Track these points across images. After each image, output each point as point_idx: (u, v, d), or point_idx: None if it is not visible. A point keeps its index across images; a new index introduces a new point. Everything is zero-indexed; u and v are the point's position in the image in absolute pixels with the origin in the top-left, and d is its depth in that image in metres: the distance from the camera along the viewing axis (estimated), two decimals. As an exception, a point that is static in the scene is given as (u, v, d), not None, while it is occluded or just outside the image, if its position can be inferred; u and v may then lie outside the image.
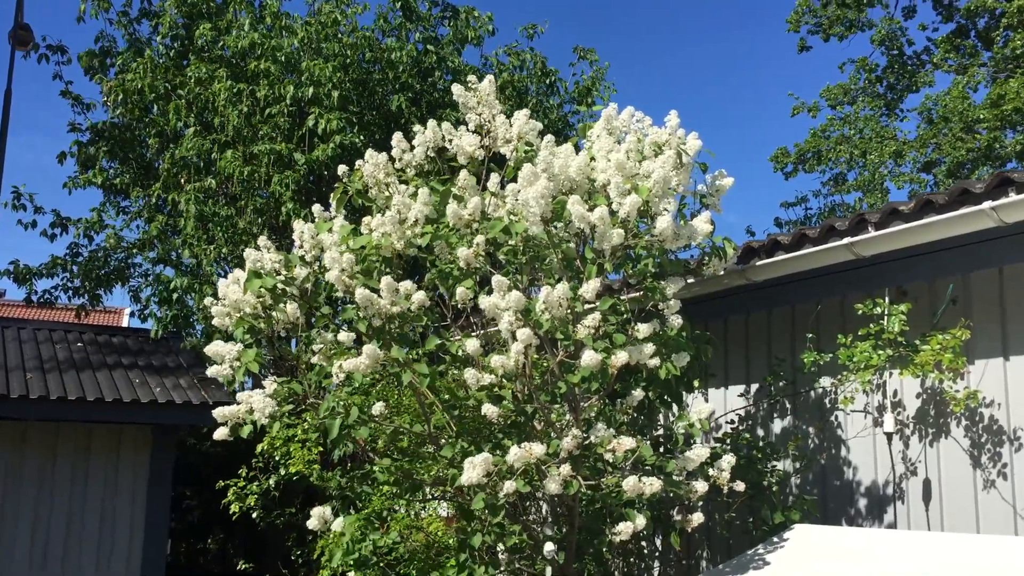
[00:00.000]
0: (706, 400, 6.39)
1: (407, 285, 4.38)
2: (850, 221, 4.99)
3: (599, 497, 4.37)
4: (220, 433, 4.73)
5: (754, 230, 28.02)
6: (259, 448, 7.43)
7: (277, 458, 7.09)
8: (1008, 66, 20.22)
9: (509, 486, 3.83)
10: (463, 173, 4.48)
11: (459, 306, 4.45)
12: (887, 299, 4.98)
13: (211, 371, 4.62)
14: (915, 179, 20.56)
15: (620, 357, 3.98)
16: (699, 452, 4.21)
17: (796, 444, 5.35)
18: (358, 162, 4.79)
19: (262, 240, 4.71)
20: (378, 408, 4.86)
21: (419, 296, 4.36)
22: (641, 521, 3.94)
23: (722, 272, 5.22)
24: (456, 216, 4.35)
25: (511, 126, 4.52)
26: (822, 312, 5.60)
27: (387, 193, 4.65)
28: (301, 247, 4.68)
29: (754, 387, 6.19)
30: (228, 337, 4.79)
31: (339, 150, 8.56)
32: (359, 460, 7.38)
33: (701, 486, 4.18)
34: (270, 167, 8.70)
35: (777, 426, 5.99)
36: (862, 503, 5.35)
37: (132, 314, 13.67)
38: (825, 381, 5.59)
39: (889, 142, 21.62)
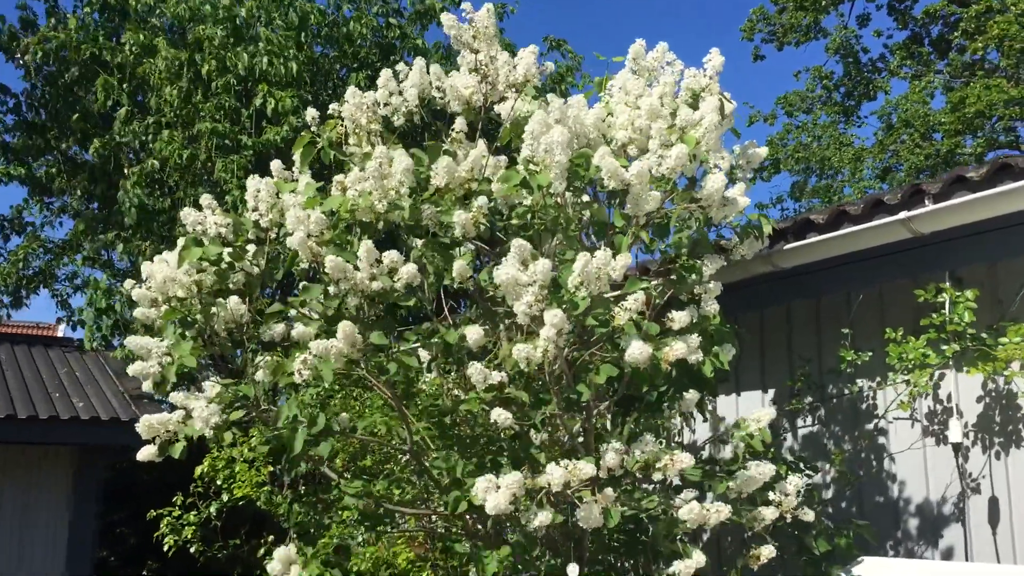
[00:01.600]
0: (713, 408, 5.60)
1: (392, 255, 3.50)
2: (903, 193, 4.27)
3: (643, 526, 3.50)
4: (145, 453, 3.78)
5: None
6: (199, 470, 6.42)
7: (220, 482, 6.11)
8: (964, 72, 20.16)
9: (543, 517, 2.98)
10: (458, 121, 3.61)
11: (454, 287, 3.59)
12: (948, 284, 4.25)
13: (133, 368, 3.69)
14: (874, 186, 20.33)
15: (676, 349, 3.17)
16: (763, 469, 3.40)
17: (840, 457, 4.58)
18: (332, 106, 3.89)
19: (206, 198, 3.79)
20: (344, 418, 3.97)
21: (408, 269, 3.48)
22: (701, 558, 3.11)
23: (753, 254, 4.43)
24: (450, 173, 3.48)
25: (515, 68, 3.66)
26: (856, 304, 4.86)
27: (368, 147, 3.75)
28: (256, 210, 3.77)
29: (772, 392, 5.42)
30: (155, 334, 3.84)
31: (292, 133, 7.60)
32: (314, 480, 6.44)
33: (770, 512, 3.37)
34: (212, 151, 7.69)
35: (803, 435, 5.23)
36: (911, 525, 4.60)
37: (59, 320, 12.49)
38: (863, 383, 4.85)
39: (847, 149, 21.45)
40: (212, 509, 6.42)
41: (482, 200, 3.51)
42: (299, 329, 3.75)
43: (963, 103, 18.22)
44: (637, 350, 3.09)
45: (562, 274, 3.20)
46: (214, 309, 3.81)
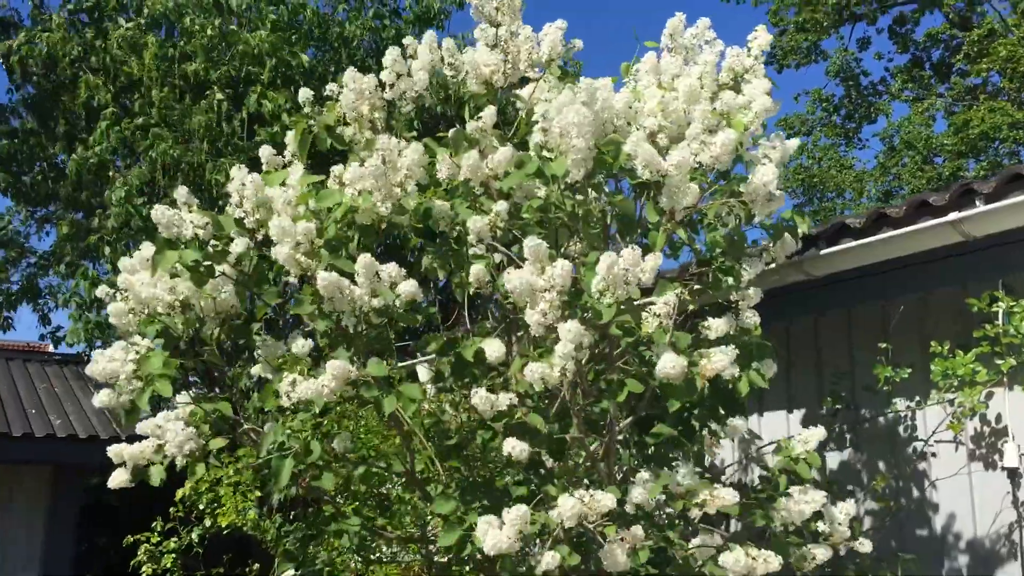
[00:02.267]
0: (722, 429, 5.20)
1: (392, 269, 3.11)
2: (951, 193, 3.91)
3: (668, 558, 3.08)
4: (117, 480, 3.37)
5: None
6: (180, 494, 5.99)
7: (202, 506, 5.67)
8: (966, 96, 20.03)
9: (551, 558, 2.57)
10: (488, 110, 3.20)
11: (470, 292, 3.21)
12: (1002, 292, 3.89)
13: (99, 400, 3.28)
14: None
15: (716, 362, 2.79)
16: (812, 497, 3.01)
17: (885, 483, 4.19)
18: (330, 86, 3.52)
19: (181, 192, 3.39)
20: (341, 444, 3.56)
21: (408, 287, 3.09)
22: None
23: (784, 257, 4.05)
24: (474, 169, 3.10)
25: (538, 44, 3.29)
26: (890, 316, 4.49)
27: (369, 135, 3.36)
28: (240, 206, 3.38)
29: (798, 412, 5.03)
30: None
31: (284, 133, 7.21)
32: (305, 505, 6.01)
33: (822, 553, 2.97)
34: (204, 152, 7.30)
35: (832, 460, 4.83)
36: (960, 561, 4.20)
37: (41, 338, 12.05)
38: (899, 402, 4.47)
39: (847, 171, 21.29)
40: (194, 536, 5.98)
41: (501, 205, 3.13)
42: (299, 344, 3.36)
43: (967, 125, 18.06)
44: (670, 363, 2.70)
45: (584, 277, 2.81)
46: (199, 303, 3.40)
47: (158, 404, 3.87)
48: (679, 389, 2.81)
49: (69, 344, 8.47)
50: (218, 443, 3.52)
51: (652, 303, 3.00)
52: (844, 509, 3.15)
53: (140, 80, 7.80)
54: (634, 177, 3.14)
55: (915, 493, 4.41)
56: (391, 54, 3.37)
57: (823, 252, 4.28)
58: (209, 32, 7.73)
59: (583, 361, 2.77)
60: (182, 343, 3.56)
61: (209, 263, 3.34)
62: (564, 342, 2.66)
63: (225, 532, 5.79)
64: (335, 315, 3.24)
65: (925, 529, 4.35)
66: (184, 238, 3.29)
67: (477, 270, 3.28)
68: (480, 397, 2.82)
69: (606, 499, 2.58)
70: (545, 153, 2.96)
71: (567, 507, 2.54)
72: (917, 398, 4.42)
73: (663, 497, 2.90)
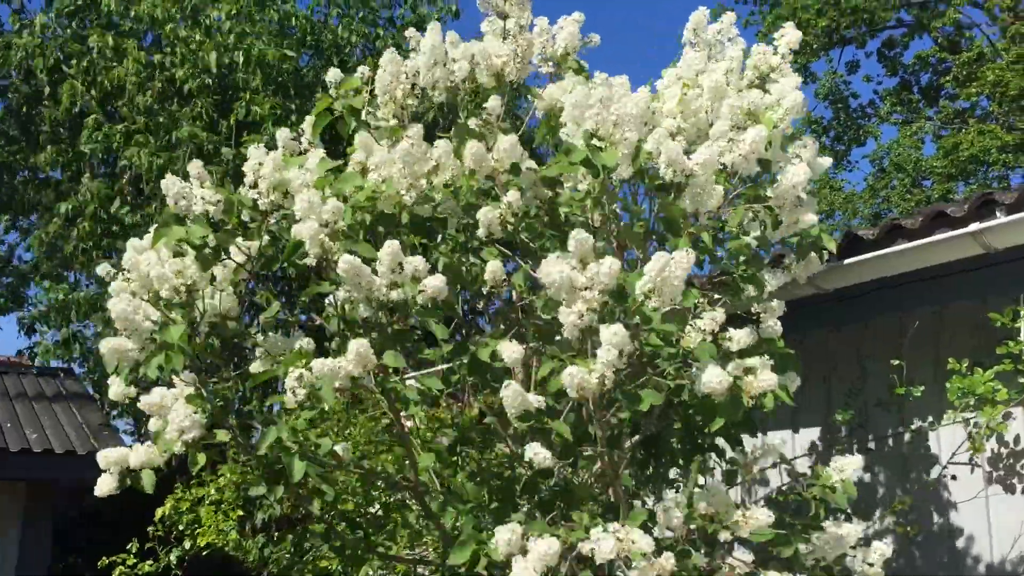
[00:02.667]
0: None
1: (419, 262, 2.92)
2: (970, 204, 3.77)
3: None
4: (104, 486, 3.16)
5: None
6: (159, 513, 5.74)
7: (182, 527, 5.43)
8: (955, 120, 20.12)
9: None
10: (492, 100, 3.05)
11: (485, 290, 3.04)
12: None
13: (114, 391, 3.09)
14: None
15: (764, 380, 2.61)
16: (850, 529, 2.82)
17: (902, 506, 4.01)
18: (360, 69, 3.33)
19: (195, 166, 3.20)
20: (344, 451, 3.37)
21: (435, 282, 2.90)
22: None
23: (812, 273, 3.87)
24: (479, 159, 2.93)
25: (552, 38, 3.13)
26: (911, 331, 4.32)
27: (395, 121, 3.18)
28: (255, 187, 3.19)
29: (806, 432, 4.86)
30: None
31: (271, 140, 7.04)
32: (288, 524, 5.77)
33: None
34: (187, 159, 7.10)
35: (839, 482, 4.65)
36: (976, 587, 4.02)
37: (19, 353, 11.77)
38: (913, 421, 4.30)
39: (837, 193, 21.32)
40: (172, 557, 5.73)
41: (513, 195, 2.96)
42: (303, 341, 3.18)
43: (956, 148, 18.12)
44: (716, 378, 2.53)
45: (629, 279, 2.63)
46: (206, 296, 3.22)
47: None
48: (723, 407, 2.63)
49: (44, 360, 8.21)
50: (223, 436, 3.30)
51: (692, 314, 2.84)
52: (879, 549, 2.96)
53: (123, 86, 7.60)
54: (653, 179, 2.97)
55: (931, 517, 4.24)
56: (431, 35, 3.16)
57: (834, 265, 4.12)
58: (197, 38, 7.55)
59: (623, 369, 2.58)
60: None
61: (217, 245, 3.16)
62: (608, 347, 2.46)
63: (205, 553, 5.55)
64: (350, 306, 3.07)
65: (939, 554, 4.17)
66: (193, 214, 3.11)
67: (494, 266, 3.10)
68: (512, 391, 2.62)
69: (642, 540, 2.37)
70: (596, 142, 2.77)
71: (607, 547, 2.33)
72: (930, 418, 4.26)
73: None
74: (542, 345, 3.27)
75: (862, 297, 4.29)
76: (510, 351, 2.85)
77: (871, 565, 2.90)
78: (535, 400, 2.78)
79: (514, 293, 3.61)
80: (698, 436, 3.32)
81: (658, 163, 2.76)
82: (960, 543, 4.14)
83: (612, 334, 2.52)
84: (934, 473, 4.21)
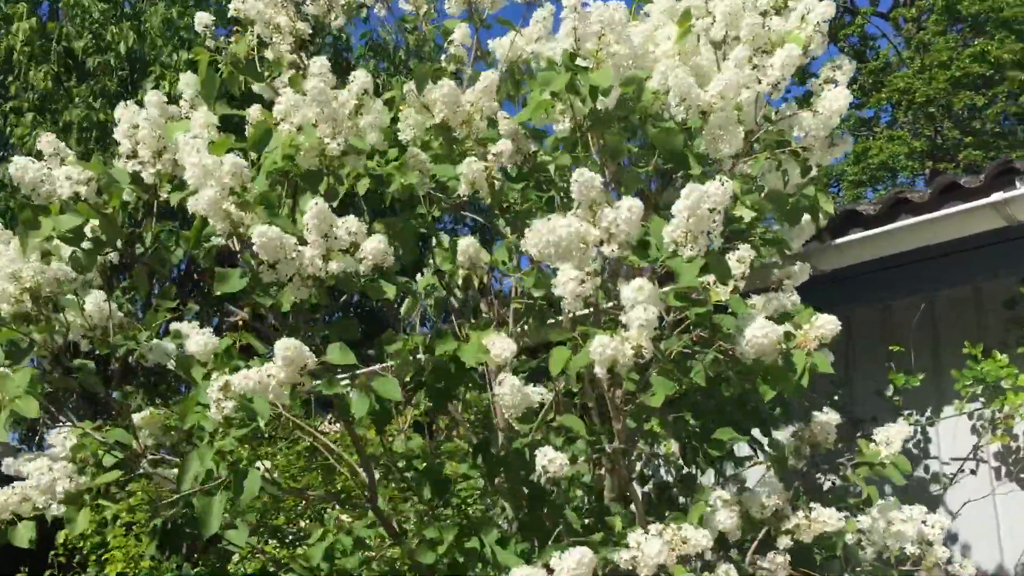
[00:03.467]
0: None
1: (353, 224, 2.37)
2: (986, 174, 3.47)
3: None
4: None
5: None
6: (61, 536, 5.01)
7: (87, 551, 4.73)
8: (861, 128, 20.65)
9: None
10: (458, 30, 2.56)
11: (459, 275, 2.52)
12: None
13: None
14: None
15: (824, 324, 2.24)
16: (910, 512, 2.45)
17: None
18: (233, 5, 2.73)
19: (47, 140, 2.56)
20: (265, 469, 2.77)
21: (375, 244, 2.36)
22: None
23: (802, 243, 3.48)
24: (452, 104, 2.42)
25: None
26: (918, 315, 3.99)
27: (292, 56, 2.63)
28: (133, 156, 2.56)
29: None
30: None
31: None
32: (215, 541, 5.12)
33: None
34: (88, 143, 6.31)
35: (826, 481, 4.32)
36: (985, 593, 3.72)
37: None
38: (906, 412, 4.00)
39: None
40: (76, 587, 5.00)
41: (505, 144, 2.47)
42: (198, 340, 2.54)
43: (866, 154, 18.53)
44: (760, 330, 2.09)
45: (654, 223, 2.16)
46: (66, 314, 2.58)
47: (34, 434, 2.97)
48: (776, 371, 2.17)
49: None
50: (108, 477, 2.65)
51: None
52: (938, 522, 2.56)
53: (11, 57, 6.72)
54: (658, 123, 2.52)
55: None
56: None
57: (835, 242, 3.78)
58: (99, 5, 6.76)
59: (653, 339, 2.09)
60: (47, 355, 2.69)
61: (96, 236, 2.53)
62: (638, 306, 1.98)
63: (116, 581, 4.85)
64: (274, 290, 2.44)
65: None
66: (60, 200, 2.47)
67: (467, 243, 2.59)
68: (511, 386, 2.11)
69: (697, 535, 1.92)
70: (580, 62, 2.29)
71: (652, 551, 1.86)
72: (929, 410, 3.97)
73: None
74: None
75: (846, 282, 3.96)
76: (500, 346, 2.35)
77: (930, 544, 2.50)
78: (538, 393, 2.30)
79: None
80: (739, 414, 2.88)
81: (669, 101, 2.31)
82: (964, 547, 3.85)
83: (636, 289, 2.07)
84: (935, 467, 3.92)
